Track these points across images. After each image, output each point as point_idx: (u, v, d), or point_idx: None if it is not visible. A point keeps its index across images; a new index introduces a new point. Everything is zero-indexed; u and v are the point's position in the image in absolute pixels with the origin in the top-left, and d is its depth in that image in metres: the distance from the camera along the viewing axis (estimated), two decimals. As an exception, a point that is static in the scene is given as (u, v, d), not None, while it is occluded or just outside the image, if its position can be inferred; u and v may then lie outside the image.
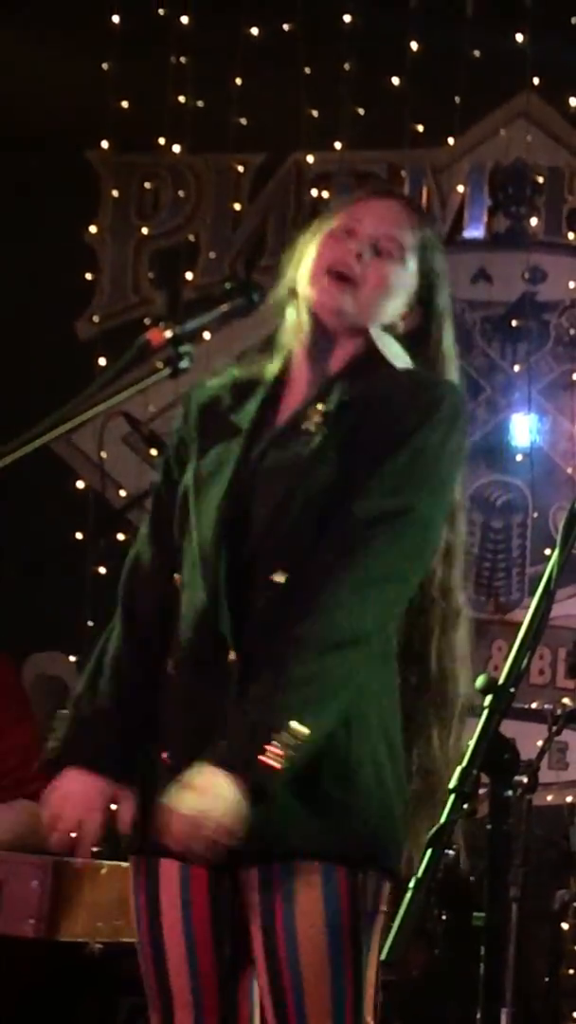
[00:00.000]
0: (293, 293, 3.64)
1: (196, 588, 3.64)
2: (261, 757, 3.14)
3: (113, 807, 3.57)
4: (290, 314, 3.71)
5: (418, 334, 3.69)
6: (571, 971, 5.81)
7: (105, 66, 6.47)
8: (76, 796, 3.54)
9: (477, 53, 6.21)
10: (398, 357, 3.70)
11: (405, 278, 3.61)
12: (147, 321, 5.92)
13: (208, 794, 3.25)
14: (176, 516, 3.68)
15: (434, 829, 2.83)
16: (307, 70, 6.31)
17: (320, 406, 3.62)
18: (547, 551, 3.20)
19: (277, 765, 3.22)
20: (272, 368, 3.73)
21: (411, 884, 2.92)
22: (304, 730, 3.21)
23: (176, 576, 3.69)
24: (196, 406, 3.77)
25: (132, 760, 3.57)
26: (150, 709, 3.61)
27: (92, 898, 4.22)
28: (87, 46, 6.46)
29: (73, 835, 3.52)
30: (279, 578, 3.54)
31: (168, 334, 3.58)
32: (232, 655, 3.51)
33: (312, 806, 3.44)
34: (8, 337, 6.54)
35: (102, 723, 3.65)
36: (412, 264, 3.66)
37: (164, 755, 3.59)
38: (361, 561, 3.46)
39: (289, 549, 3.57)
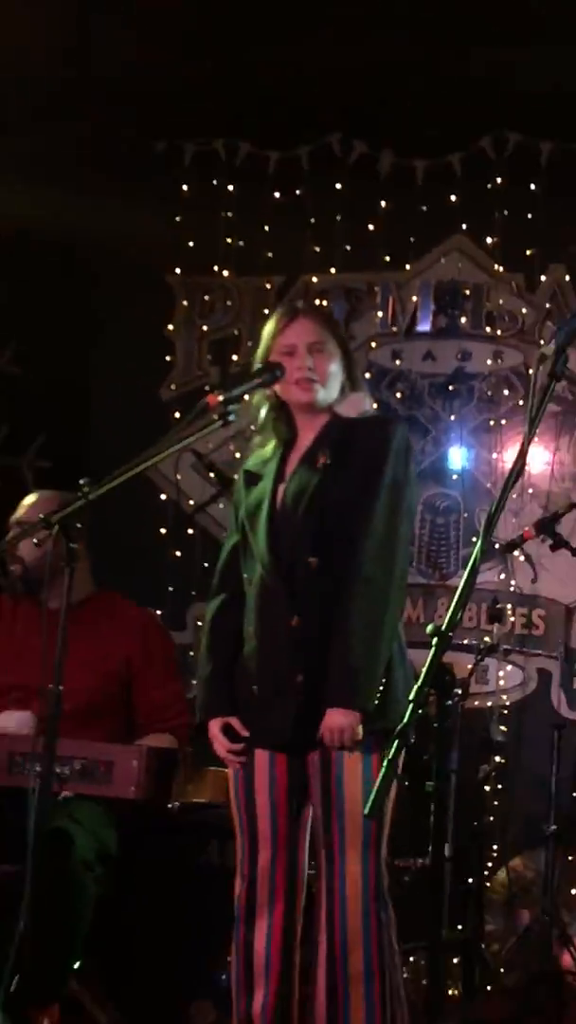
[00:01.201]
0: (273, 395, 3.84)
1: (260, 579, 3.79)
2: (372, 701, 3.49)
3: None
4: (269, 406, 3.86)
5: (348, 378, 3.83)
6: (490, 818, 5.80)
7: (178, 219, 6.49)
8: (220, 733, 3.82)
9: (425, 208, 6.23)
10: (355, 409, 3.78)
11: (336, 357, 3.79)
12: (207, 388, 5.91)
13: (351, 727, 3.57)
14: (241, 542, 3.88)
15: (399, 727, 2.84)
16: (312, 220, 6.33)
17: (321, 452, 3.66)
18: (473, 538, 3.28)
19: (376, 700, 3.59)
20: (273, 446, 3.91)
21: (384, 763, 2.91)
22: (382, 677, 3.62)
23: (244, 576, 3.75)
24: (243, 478, 3.96)
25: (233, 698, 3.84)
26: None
27: (175, 771, 4.25)
28: (163, 203, 6.49)
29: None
30: (313, 561, 3.58)
31: (220, 398, 3.61)
32: (295, 618, 3.62)
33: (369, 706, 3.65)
34: (112, 400, 6.57)
35: (222, 684, 3.89)
36: (334, 346, 3.70)
37: (254, 688, 3.78)
38: (384, 547, 3.68)
39: (316, 541, 3.64)
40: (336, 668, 3.60)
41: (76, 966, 4.40)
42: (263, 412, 3.84)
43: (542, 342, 5.79)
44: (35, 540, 4.03)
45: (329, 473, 3.70)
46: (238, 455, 6.13)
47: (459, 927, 5.29)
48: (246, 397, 3.75)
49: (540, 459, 6.00)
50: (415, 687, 2.95)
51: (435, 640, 2.96)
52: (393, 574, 3.68)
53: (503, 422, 6.13)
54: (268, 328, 3.80)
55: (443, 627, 2.97)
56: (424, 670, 2.95)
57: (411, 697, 2.95)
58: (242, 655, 3.80)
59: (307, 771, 3.72)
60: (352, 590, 3.61)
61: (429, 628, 3.01)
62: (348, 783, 3.63)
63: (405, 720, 2.99)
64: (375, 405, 3.91)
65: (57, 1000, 4.33)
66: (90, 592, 4.58)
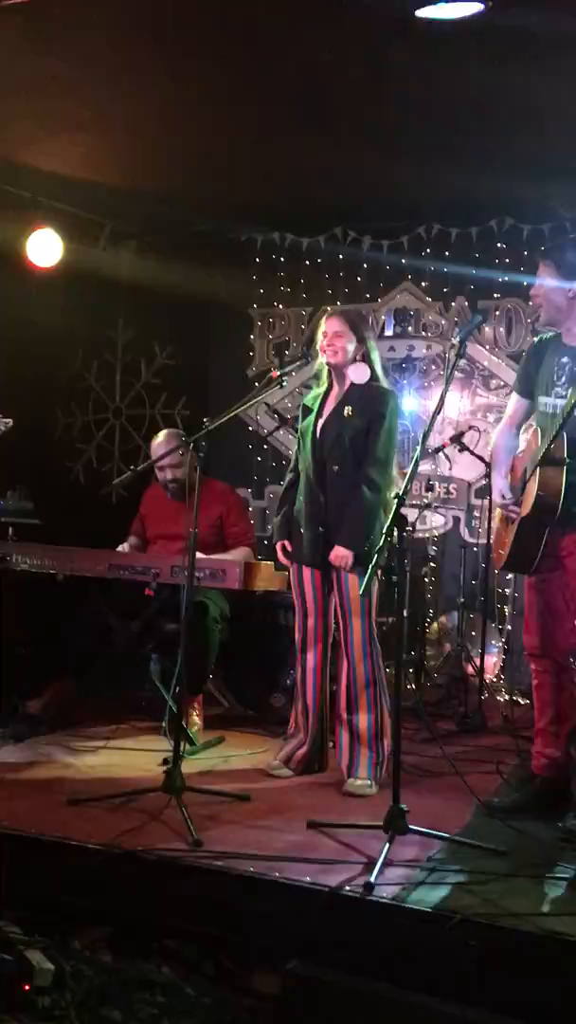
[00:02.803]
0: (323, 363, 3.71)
1: (306, 474, 3.71)
2: (362, 547, 3.17)
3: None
4: (321, 365, 3.68)
5: (365, 358, 3.54)
6: (428, 596, 5.76)
7: (254, 277, 6.35)
8: (281, 551, 3.79)
9: (388, 267, 6.08)
10: (363, 377, 3.67)
11: (352, 341, 3.53)
12: (271, 367, 5.79)
13: (347, 556, 3.51)
14: (299, 449, 3.79)
15: (377, 548, 2.84)
16: (326, 276, 6.19)
17: (347, 407, 3.61)
18: (418, 447, 3.26)
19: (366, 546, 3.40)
20: (322, 387, 3.75)
21: (370, 567, 2.89)
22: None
23: (300, 469, 3.72)
24: (303, 407, 3.81)
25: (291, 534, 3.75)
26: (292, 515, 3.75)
27: (257, 573, 4.19)
28: (245, 270, 6.34)
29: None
30: (336, 467, 3.57)
31: (277, 373, 3.53)
32: (322, 498, 3.55)
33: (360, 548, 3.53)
34: (221, 377, 6.46)
35: (284, 523, 3.80)
36: (351, 334, 3.52)
37: (301, 530, 3.72)
38: (382, 465, 3.59)
39: (339, 458, 3.61)
40: (345, 526, 3.58)
41: (210, 675, 4.46)
42: (320, 371, 3.77)
43: (452, 339, 5.71)
44: (180, 452, 4.03)
45: (351, 420, 3.65)
46: (290, 405, 6.09)
47: (412, 653, 5.32)
48: (292, 373, 3.74)
49: (454, 403, 5.93)
50: (385, 527, 2.95)
51: (396, 501, 2.96)
52: (386, 478, 3.63)
53: (431, 384, 6.01)
54: (318, 323, 3.76)
55: (400, 493, 2.97)
56: (390, 517, 2.94)
57: (383, 532, 2.95)
58: (294, 512, 3.79)
59: (331, 578, 3.72)
60: (361, 486, 3.58)
61: (392, 494, 3.01)
62: (351, 585, 3.61)
63: (380, 544, 2.99)
64: (370, 373, 3.70)
65: (200, 692, 4.41)
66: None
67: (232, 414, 3.47)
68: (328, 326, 3.68)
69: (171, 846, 2.87)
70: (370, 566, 2.93)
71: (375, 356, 3.70)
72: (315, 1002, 1.99)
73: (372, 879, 2.62)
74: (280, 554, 3.80)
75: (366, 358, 3.67)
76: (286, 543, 3.79)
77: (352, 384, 3.66)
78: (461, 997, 2.22)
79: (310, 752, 3.79)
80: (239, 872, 2.70)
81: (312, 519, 3.67)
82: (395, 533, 2.93)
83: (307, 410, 3.79)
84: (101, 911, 2.77)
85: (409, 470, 3.03)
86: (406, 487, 3.00)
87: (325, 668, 3.78)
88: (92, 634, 4.35)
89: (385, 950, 2.46)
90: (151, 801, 3.21)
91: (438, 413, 3.13)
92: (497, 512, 3.46)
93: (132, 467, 3.80)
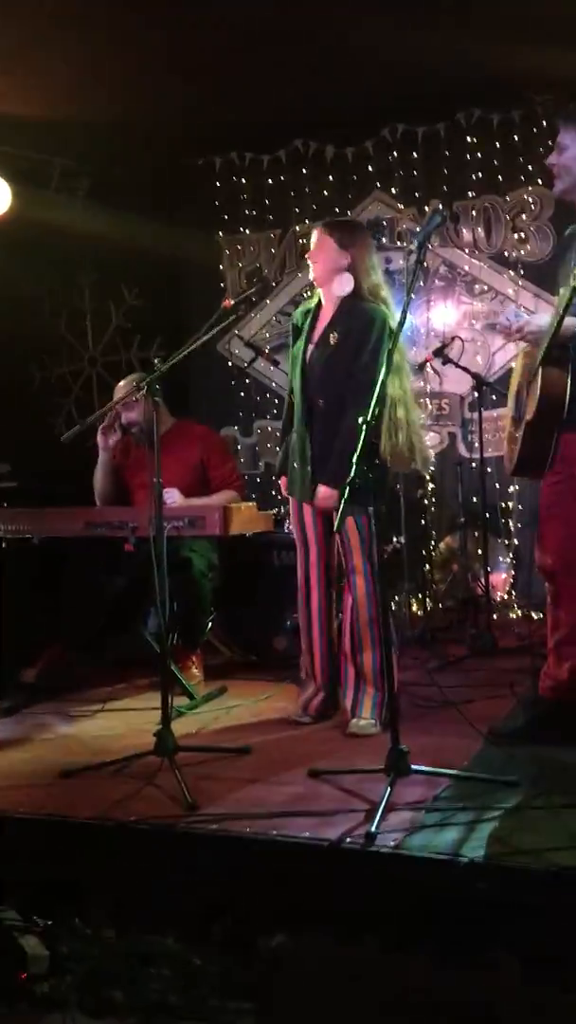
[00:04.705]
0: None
1: (298, 406, 3.52)
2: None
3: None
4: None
5: (352, 268, 3.50)
6: (430, 518, 5.58)
7: (216, 202, 6.06)
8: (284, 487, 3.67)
9: (355, 177, 5.75)
10: (345, 288, 3.46)
11: (332, 251, 3.49)
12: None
13: (332, 496, 3.32)
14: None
15: (348, 480, 2.64)
16: (292, 193, 5.90)
17: (333, 333, 3.41)
18: (381, 368, 3.06)
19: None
20: (312, 302, 3.59)
21: (342, 502, 2.69)
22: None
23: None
24: (293, 320, 3.65)
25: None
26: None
27: (236, 517, 3.97)
28: (204, 193, 6.05)
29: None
30: (321, 401, 3.37)
31: (231, 302, 3.35)
32: (307, 434, 3.49)
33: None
34: (193, 311, 6.18)
35: (282, 457, 3.71)
36: (331, 244, 3.46)
37: (294, 464, 3.57)
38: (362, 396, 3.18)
39: (325, 391, 3.39)
40: (330, 462, 3.43)
41: (208, 627, 4.34)
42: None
43: (410, 244, 5.48)
44: (135, 397, 3.85)
45: (338, 348, 3.44)
46: (268, 335, 5.88)
47: (413, 580, 5.20)
48: (253, 299, 3.57)
49: (438, 313, 5.68)
50: (355, 457, 2.77)
51: (363, 428, 2.77)
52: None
53: (412, 296, 5.72)
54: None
55: (368, 420, 2.78)
56: (358, 447, 2.76)
57: (354, 461, 2.77)
58: (290, 444, 3.65)
59: (330, 514, 3.55)
60: (347, 418, 3.36)
61: (360, 419, 2.81)
62: (348, 523, 3.43)
63: (352, 474, 2.79)
64: (354, 284, 3.46)
65: (197, 647, 4.30)
66: (172, 424, 4.33)
67: (182, 354, 3.28)
68: (311, 239, 3.56)
69: (165, 812, 2.76)
70: (342, 501, 2.75)
71: (369, 266, 3.45)
72: (302, 973, 1.88)
73: (373, 828, 2.50)
74: (283, 489, 3.68)
75: (353, 268, 3.45)
76: (285, 478, 3.66)
77: (340, 301, 3.46)
78: (471, 948, 2.09)
79: (326, 697, 3.65)
80: (235, 834, 2.58)
81: (301, 454, 3.51)
82: (366, 464, 2.75)
83: (297, 330, 3.60)
84: (101, 887, 2.67)
85: (375, 393, 2.83)
86: (373, 412, 2.80)
87: (330, 609, 3.62)
88: (80, 595, 4.22)
89: (389, 903, 2.34)
90: (146, 765, 3.10)
91: (401, 327, 2.93)
92: (506, 415, 3.25)
93: (80, 420, 3.59)
